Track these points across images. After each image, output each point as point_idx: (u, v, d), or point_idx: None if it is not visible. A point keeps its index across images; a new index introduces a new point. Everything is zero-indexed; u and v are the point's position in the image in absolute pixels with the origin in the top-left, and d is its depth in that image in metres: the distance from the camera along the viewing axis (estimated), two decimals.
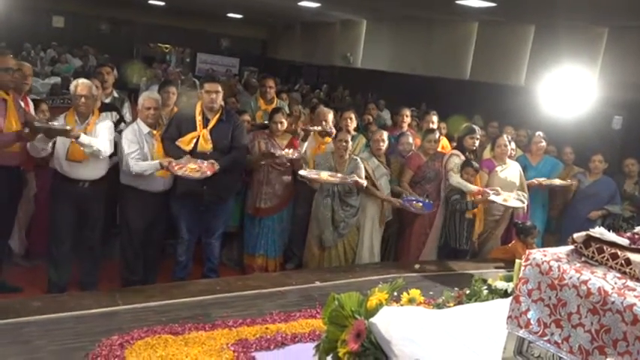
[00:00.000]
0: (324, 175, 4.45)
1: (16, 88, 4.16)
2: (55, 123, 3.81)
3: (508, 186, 5.03)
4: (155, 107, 4.18)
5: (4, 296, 3.69)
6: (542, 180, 5.33)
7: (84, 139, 3.81)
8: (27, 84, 4.42)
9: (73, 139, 3.79)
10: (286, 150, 4.69)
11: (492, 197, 4.72)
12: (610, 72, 7.48)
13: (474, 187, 4.81)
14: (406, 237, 5.15)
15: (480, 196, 4.78)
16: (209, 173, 3.95)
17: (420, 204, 4.74)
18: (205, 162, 4.02)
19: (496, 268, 4.47)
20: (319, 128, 4.99)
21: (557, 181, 5.40)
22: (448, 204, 4.97)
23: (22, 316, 2.93)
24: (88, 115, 4.00)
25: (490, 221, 5.07)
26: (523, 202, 4.83)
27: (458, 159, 4.99)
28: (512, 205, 4.78)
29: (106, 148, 3.96)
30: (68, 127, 3.73)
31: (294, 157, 4.68)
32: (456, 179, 4.87)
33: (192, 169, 3.94)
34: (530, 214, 5.43)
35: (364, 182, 4.60)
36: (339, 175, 4.52)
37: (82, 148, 3.85)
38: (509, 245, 4.93)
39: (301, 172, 4.49)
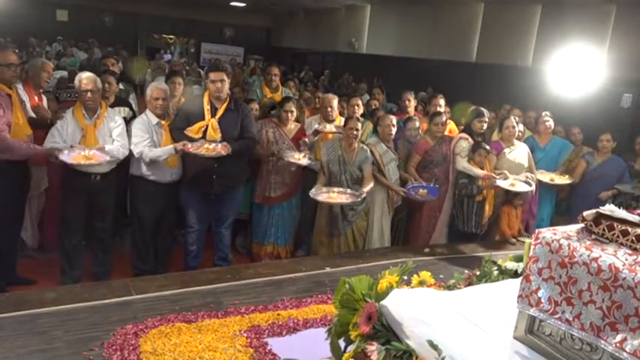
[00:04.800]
0: (334, 196, 4.38)
1: (36, 85, 4.21)
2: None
3: (516, 168, 5.01)
4: (163, 98, 4.19)
5: (19, 288, 3.75)
6: (543, 176, 5.30)
7: (110, 149, 3.91)
8: (48, 82, 4.46)
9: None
10: (298, 155, 4.69)
11: (499, 182, 4.72)
12: (618, 50, 7.37)
13: (480, 172, 4.80)
14: (415, 221, 5.15)
15: (487, 181, 4.78)
16: (223, 153, 4.00)
17: (425, 190, 4.72)
18: (219, 143, 4.05)
19: (506, 250, 4.49)
20: (334, 129, 4.95)
21: (555, 179, 5.36)
22: (457, 187, 4.96)
23: (37, 307, 2.99)
24: (95, 108, 4.02)
25: (498, 203, 5.04)
26: (530, 186, 4.81)
27: (466, 143, 4.96)
28: (520, 189, 4.78)
29: (126, 151, 4.04)
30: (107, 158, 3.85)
31: (304, 164, 4.67)
32: (462, 164, 4.86)
33: (208, 149, 4.01)
34: (539, 196, 5.41)
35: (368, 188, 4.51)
36: (349, 191, 4.45)
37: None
38: (501, 211, 4.98)
39: (311, 194, 4.40)
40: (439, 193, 4.82)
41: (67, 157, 3.77)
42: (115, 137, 4.02)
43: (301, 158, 4.68)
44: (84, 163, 3.79)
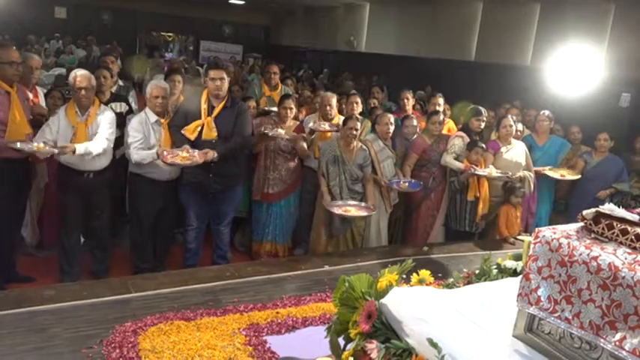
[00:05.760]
0: (350, 209, 4.39)
1: (23, 80, 4.16)
2: (41, 144, 3.71)
3: (514, 166, 5.01)
4: (163, 96, 4.18)
5: (18, 286, 3.75)
6: (545, 170, 5.31)
7: (80, 149, 3.80)
8: (34, 77, 4.39)
9: (70, 153, 3.79)
10: (279, 130, 4.66)
11: (477, 171, 4.76)
12: (617, 49, 7.36)
13: (460, 165, 4.83)
14: (413, 220, 5.15)
15: (467, 172, 4.80)
16: (200, 161, 3.94)
17: (406, 184, 4.75)
18: (197, 151, 3.98)
19: (505, 248, 4.49)
20: (328, 128, 4.95)
21: (566, 175, 5.37)
22: (449, 186, 4.99)
23: (36, 304, 2.98)
24: (88, 106, 3.99)
25: (495, 202, 5.05)
26: (506, 174, 4.83)
27: (460, 140, 4.98)
28: (495, 175, 4.80)
29: (104, 146, 3.93)
30: (55, 150, 3.72)
31: (287, 137, 4.68)
32: (445, 158, 4.90)
33: (184, 157, 3.95)
34: (538, 195, 5.42)
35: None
36: (363, 204, 4.48)
37: (82, 158, 3.85)
38: (499, 210, 4.95)
39: (326, 205, 4.43)
40: (420, 187, 4.81)
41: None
42: (100, 129, 3.95)
43: (282, 135, 4.66)
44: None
